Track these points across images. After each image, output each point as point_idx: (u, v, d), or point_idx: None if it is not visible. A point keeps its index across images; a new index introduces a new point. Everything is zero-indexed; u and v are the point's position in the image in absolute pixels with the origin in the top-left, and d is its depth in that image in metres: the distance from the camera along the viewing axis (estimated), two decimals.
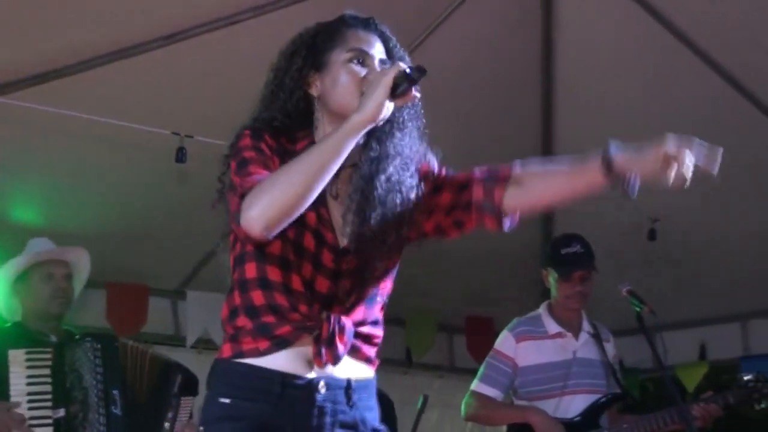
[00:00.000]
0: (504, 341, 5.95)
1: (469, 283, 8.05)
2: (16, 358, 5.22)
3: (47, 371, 5.24)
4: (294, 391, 2.94)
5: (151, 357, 5.56)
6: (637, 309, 5.55)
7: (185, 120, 6.51)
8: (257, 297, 2.95)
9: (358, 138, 2.84)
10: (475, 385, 5.95)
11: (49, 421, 5.17)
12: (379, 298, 3.13)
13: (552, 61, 7.44)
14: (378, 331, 3.14)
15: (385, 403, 5.81)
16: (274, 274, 2.93)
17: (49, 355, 5.27)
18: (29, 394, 5.18)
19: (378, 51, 3.12)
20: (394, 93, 2.80)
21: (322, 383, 2.96)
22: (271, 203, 2.72)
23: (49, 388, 5.22)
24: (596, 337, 5.94)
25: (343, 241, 3.01)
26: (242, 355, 2.95)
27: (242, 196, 2.76)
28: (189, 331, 8.14)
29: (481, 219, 3.15)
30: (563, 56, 7.40)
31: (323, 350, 2.94)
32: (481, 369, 5.99)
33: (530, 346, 5.88)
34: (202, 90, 6.59)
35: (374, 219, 2.99)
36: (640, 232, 7.31)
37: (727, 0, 6.54)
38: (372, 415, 3.13)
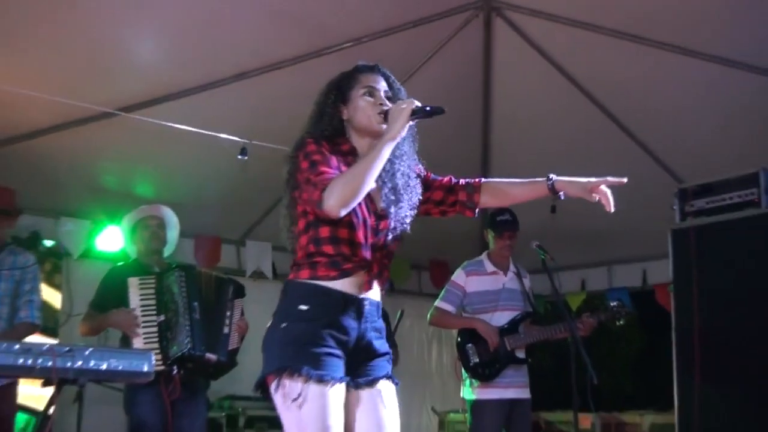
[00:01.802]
0: (458, 275, 6.01)
1: (433, 238, 8.04)
2: (133, 282, 5.25)
3: (152, 291, 5.26)
4: (351, 305, 3.07)
5: (214, 277, 5.57)
6: (542, 257, 5.65)
7: (247, 129, 6.55)
8: (328, 248, 3.07)
9: (392, 148, 3.05)
10: (438, 302, 6.00)
11: (154, 323, 5.18)
12: (394, 252, 3.28)
13: (489, 109, 7.44)
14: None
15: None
16: (343, 233, 3.06)
17: (153, 281, 5.29)
18: (141, 306, 5.21)
19: (382, 86, 3.29)
20: (412, 118, 3.06)
21: (366, 302, 3.12)
22: (344, 194, 2.92)
23: (153, 302, 5.23)
24: (518, 275, 6.00)
25: (380, 208, 3.17)
26: (318, 278, 3.05)
27: (323, 190, 2.92)
28: (248, 267, 8.18)
29: (462, 212, 3.47)
30: (498, 105, 7.40)
31: (374, 281, 3.14)
32: (442, 292, 6.05)
33: (475, 279, 5.94)
34: (258, 111, 6.64)
35: (398, 194, 3.20)
36: (546, 207, 7.32)
37: (632, 70, 6.56)
38: (382, 323, 3.29)
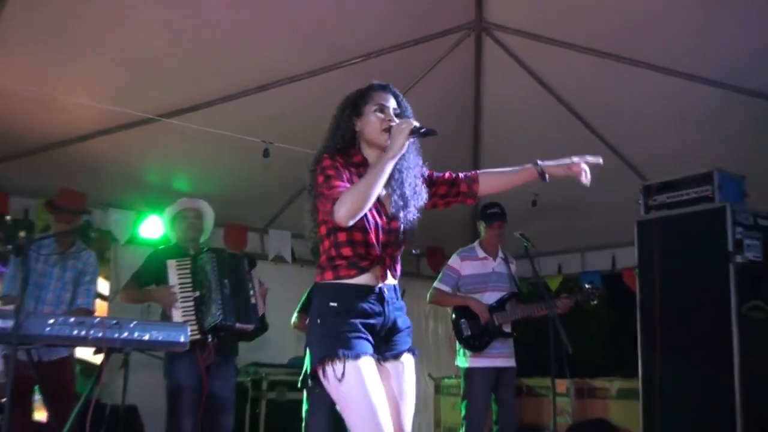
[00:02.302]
0: (454, 260, 6.04)
1: (430, 227, 8.03)
2: (171, 264, 5.28)
3: (188, 271, 5.28)
4: (372, 295, 3.14)
5: (235, 255, 5.62)
6: (525, 244, 5.64)
7: (270, 133, 6.57)
8: (347, 251, 3.13)
9: (393, 163, 3.08)
10: (436, 283, 6.04)
11: (191, 298, 5.21)
12: (404, 246, 3.32)
13: (480, 115, 7.43)
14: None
15: None
16: (357, 237, 3.12)
17: (188, 262, 5.31)
18: (179, 284, 5.23)
19: (392, 104, 3.30)
20: (410, 136, 3.09)
21: (385, 288, 3.18)
22: (352, 207, 2.96)
23: (189, 280, 5.25)
24: (505, 260, 6.03)
25: (390, 212, 3.21)
26: (340, 278, 3.12)
27: (334, 203, 2.98)
28: (270, 252, 8.18)
29: (464, 201, 3.49)
30: (488, 111, 7.40)
31: (388, 272, 3.19)
32: (440, 275, 6.08)
33: (468, 264, 5.97)
34: (280, 117, 6.62)
35: (405, 200, 3.23)
36: (528, 201, 7.34)
37: (602, 82, 6.57)
38: (402, 302, 3.34)
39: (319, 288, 3.18)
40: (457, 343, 5.92)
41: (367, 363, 3.02)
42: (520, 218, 6.54)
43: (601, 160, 3.36)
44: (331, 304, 3.10)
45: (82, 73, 5.93)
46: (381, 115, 3.23)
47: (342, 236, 3.12)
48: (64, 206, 5.32)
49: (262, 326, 5.41)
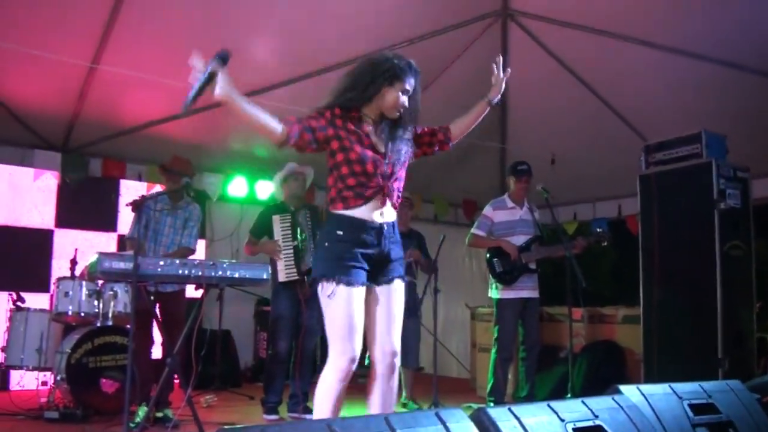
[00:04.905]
0: (487, 209, 6.03)
1: (466, 183, 8.16)
2: (276, 219, 5.53)
3: (288, 225, 5.50)
4: (372, 229, 3.14)
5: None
6: (546, 196, 5.68)
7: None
8: (351, 181, 3.10)
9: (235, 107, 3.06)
10: (473, 229, 6.06)
11: (290, 246, 5.45)
12: (402, 180, 3.26)
13: (506, 93, 7.37)
14: (401, 194, 3.28)
15: (420, 238, 6.20)
16: (357, 168, 3.09)
17: (289, 218, 5.52)
18: (282, 235, 5.48)
19: (413, 86, 3.23)
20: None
21: (384, 225, 3.17)
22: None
23: (290, 232, 5.49)
24: (530, 209, 6.00)
25: (382, 150, 3.17)
26: (349, 208, 3.11)
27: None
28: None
29: (441, 148, 3.45)
30: (513, 89, 7.27)
31: (387, 199, 3.16)
32: (476, 222, 6.08)
33: (499, 212, 5.97)
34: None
35: (394, 138, 3.21)
36: (547, 159, 7.41)
37: (613, 59, 6.61)
38: (398, 236, 3.30)
39: (330, 217, 3.17)
40: (491, 277, 5.95)
41: (356, 291, 3.07)
42: (542, 174, 6.60)
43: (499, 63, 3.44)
44: (338, 232, 3.10)
45: (183, 62, 6.12)
46: (402, 98, 3.18)
47: (345, 169, 3.10)
48: (173, 169, 5.50)
49: None
